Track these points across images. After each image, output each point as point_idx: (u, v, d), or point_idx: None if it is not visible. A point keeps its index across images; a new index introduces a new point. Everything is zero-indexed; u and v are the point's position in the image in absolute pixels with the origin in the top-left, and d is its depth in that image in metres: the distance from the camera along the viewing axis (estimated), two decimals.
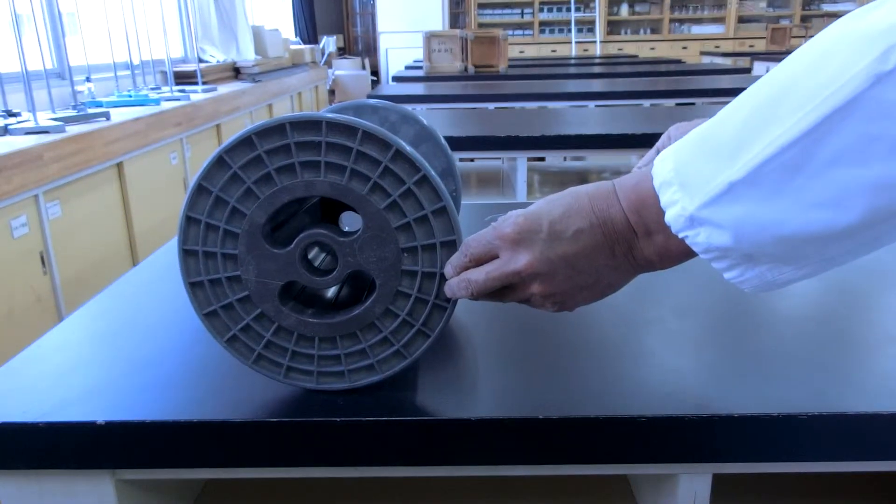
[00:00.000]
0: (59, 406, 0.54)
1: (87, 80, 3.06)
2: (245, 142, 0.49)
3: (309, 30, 8.01)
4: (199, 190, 0.50)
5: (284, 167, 0.49)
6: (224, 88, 3.97)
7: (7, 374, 0.60)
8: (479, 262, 0.50)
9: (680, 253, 0.45)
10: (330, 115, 0.49)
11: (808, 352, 0.61)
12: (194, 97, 3.39)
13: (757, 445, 0.52)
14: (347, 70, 7.70)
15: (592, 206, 0.47)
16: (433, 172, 0.50)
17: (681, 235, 0.43)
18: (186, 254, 0.52)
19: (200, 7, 4.63)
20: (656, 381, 0.56)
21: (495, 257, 0.49)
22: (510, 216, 0.49)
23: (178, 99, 3.23)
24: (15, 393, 0.56)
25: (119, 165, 2.49)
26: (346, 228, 0.54)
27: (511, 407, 0.53)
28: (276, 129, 0.49)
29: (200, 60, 4.49)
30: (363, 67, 7.82)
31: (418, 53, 5.20)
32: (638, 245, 0.46)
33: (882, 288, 0.76)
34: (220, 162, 0.50)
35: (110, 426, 0.52)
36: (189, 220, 0.51)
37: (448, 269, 0.51)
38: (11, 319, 1.82)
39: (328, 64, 7.46)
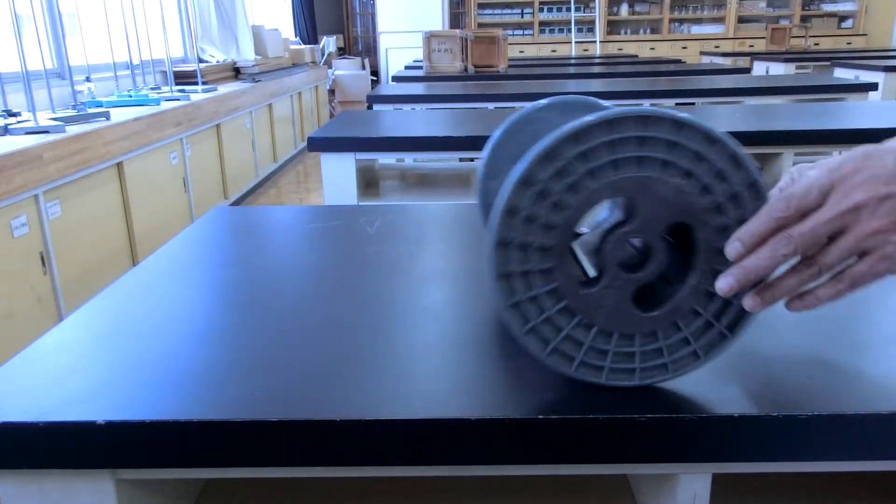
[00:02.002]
0: (59, 406, 0.54)
1: (87, 79, 3.06)
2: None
3: (309, 30, 8.01)
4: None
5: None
6: (224, 88, 3.98)
7: (7, 374, 0.59)
8: (799, 211, 0.47)
9: None
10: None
11: (808, 352, 0.61)
12: (194, 97, 3.39)
13: (757, 445, 0.52)
14: (347, 70, 7.70)
15: None
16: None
17: None
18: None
19: (200, 7, 4.63)
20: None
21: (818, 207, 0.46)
22: (825, 164, 0.47)
23: (178, 99, 3.23)
24: (15, 393, 0.56)
25: (119, 165, 2.49)
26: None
27: (511, 407, 0.53)
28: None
29: (200, 60, 4.49)
30: (363, 67, 7.82)
31: (418, 53, 5.20)
32: None
33: (882, 288, 0.76)
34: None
35: (110, 426, 0.52)
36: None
37: (739, 243, 0.48)
38: (11, 319, 1.82)
39: (328, 64, 7.47)
